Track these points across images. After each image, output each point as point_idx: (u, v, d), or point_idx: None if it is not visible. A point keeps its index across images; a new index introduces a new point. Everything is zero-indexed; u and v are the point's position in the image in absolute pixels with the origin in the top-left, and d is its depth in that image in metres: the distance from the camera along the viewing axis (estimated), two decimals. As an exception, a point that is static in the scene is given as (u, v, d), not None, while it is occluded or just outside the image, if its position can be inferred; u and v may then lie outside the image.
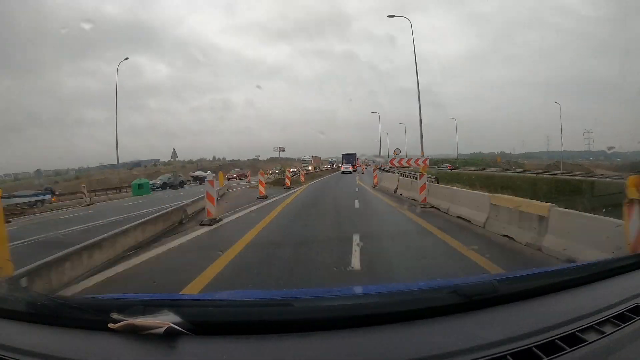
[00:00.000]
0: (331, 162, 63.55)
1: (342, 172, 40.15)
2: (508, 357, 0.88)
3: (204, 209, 8.38)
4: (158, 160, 55.53)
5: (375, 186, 17.78)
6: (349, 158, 50.06)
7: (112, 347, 0.93)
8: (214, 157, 63.60)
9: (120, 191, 25.48)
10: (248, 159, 64.06)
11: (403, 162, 14.78)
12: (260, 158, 67.41)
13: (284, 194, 14.75)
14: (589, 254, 3.78)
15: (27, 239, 7.36)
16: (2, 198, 3.65)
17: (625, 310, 1.08)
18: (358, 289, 1.27)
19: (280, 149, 39.87)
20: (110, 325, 0.93)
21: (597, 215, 4.32)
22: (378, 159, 43.35)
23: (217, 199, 9.45)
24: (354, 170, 43.71)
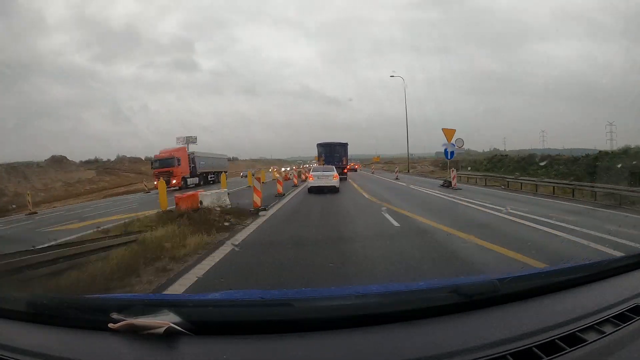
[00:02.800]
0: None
1: (310, 189, 14.28)
2: (508, 357, 0.87)
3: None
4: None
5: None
6: (333, 152, 24.58)
7: (112, 347, 0.93)
8: (117, 156, 58.54)
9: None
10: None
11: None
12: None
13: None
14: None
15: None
16: None
17: (625, 310, 1.08)
18: (358, 289, 1.27)
19: (190, 139, 24.85)
20: (110, 325, 0.93)
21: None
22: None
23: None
24: (344, 175, 21.49)
